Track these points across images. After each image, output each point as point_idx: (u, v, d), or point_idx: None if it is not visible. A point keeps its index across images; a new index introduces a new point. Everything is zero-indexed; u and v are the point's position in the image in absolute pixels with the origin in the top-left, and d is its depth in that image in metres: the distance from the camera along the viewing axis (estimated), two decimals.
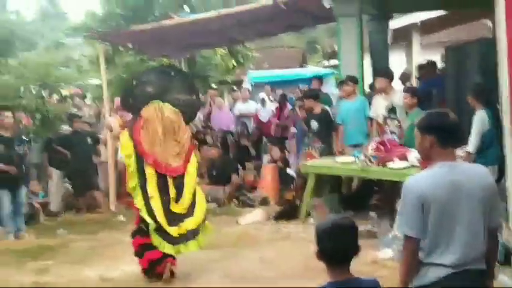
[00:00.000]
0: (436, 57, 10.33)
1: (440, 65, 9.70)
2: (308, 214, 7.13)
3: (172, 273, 5.20)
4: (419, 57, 12.08)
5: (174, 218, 5.07)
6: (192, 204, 5.23)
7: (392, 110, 7.06)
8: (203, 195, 5.48)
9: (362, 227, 6.35)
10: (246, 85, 13.89)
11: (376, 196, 7.41)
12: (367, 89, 9.01)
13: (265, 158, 9.90)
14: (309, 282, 3.97)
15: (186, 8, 16.13)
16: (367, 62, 9.35)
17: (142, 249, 5.21)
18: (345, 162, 6.98)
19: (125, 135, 5.27)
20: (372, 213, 6.70)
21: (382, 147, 6.58)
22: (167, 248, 5.03)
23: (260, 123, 10.89)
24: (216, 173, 9.33)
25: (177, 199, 5.15)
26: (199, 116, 10.59)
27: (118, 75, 12.42)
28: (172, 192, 5.12)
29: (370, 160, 6.52)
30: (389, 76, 7.45)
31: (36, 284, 5.55)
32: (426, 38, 13.16)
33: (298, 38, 20.25)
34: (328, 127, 7.82)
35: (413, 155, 5.99)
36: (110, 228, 7.78)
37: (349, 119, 7.64)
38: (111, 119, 7.26)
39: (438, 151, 2.71)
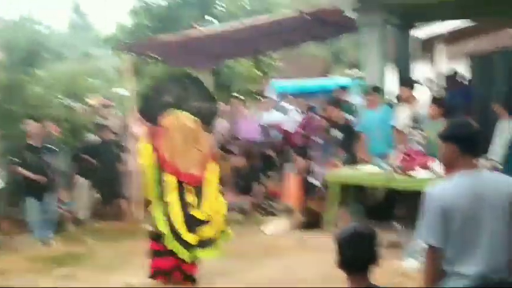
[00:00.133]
0: (462, 67, 10.26)
1: (465, 75, 9.64)
2: (332, 224, 7.12)
3: (193, 280, 5.26)
4: (445, 67, 12.00)
5: (194, 224, 5.10)
6: (212, 212, 5.27)
7: (416, 119, 7.03)
8: (224, 203, 5.49)
9: (387, 237, 6.32)
10: (270, 95, 13.92)
11: (400, 206, 7.36)
12: (392, 99, 8.98)
13: (290, 167, 9.90)
14: None
15: (209, 18, 16.27)
16: (392, 71, 9.33)
17: (153, 254, 5.30)
18: (369, 172, 6.97)
19: (144, 145, 5.35)
20: (397, 223, 6.67)
21: (407, 157, 6.56)
22: (184, 254, 5.07)
23: (284, 132, 10.89)
24: (241, 182, 9.38)
25: (198, 206, 5.19)
26: (224, 125, 10.65)
27: (145, 86, 12.56)
28: (192, 199, 5.16)
29: (395, 170, 6.50)
30: (412, 86, 7.43)
31: None
32: (451, 48, 13.06)
33: (323, 48, 20.23)
34: (351, 136, 7.81)
35: (438, 165, 5.95)
36: (135, 236, 7.85)
37: (374, 129, 7.61)
38: (138, 129, 7.35)
39: (460, 160, 2.71)
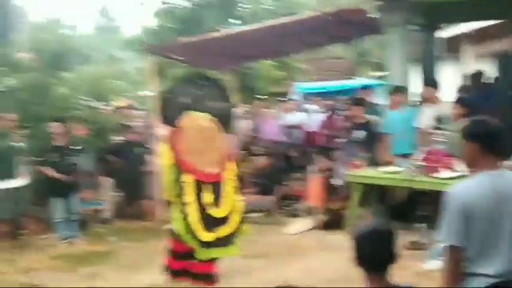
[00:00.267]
0: (487, 67, 10.12)
1: (491, 75, 9.51)
2: (354, 224, 7.09)
3: (210, 279, 5.29)
4: (471, 67, 11.84)
5: (211, 223, 5.15)
6: (230, 211, 5.30)
7: (440, 120, 6.97)
8: (241, 202, 5.52)
9: (409, 238, 6.28)
10: (294, 96, 13.92)
11: (423, 207, 7.30)
12: (416, 99, 8.91)
13: (312, 167, 9.88)
14: None
15: (233, 20, 16.32)
16: (416, 72, 9.25)
17: (168, 253, 5.43)
18: (392, 172, 6.92)
19: (164, 146, 5.41)
20: (419, 224, 6.61)
21: (430, 158, 6.50)
22: (200, 253, 5.13)
23: (308, 133, 10.88)
24: (263, 183, 9.40)
25: (215, 205, 5.22)
26: (248, 126, 10.68)
27: (164, 88, 12.63)
28: (209, 198, 5.20)
29: (418, 170, 6.45)
30: (436, 86, 7.36)
31: None
32: (478, 48, 12.90)
33: (348, 49, 20.18)
34: (374, 137, 7.77)
35: (462, 165, 5.88)
36: (159, 236, 7.92)
37: (397, 129, 7.56)
38: (161, 130, 7.42)
39: (482, 159, 2.68)
